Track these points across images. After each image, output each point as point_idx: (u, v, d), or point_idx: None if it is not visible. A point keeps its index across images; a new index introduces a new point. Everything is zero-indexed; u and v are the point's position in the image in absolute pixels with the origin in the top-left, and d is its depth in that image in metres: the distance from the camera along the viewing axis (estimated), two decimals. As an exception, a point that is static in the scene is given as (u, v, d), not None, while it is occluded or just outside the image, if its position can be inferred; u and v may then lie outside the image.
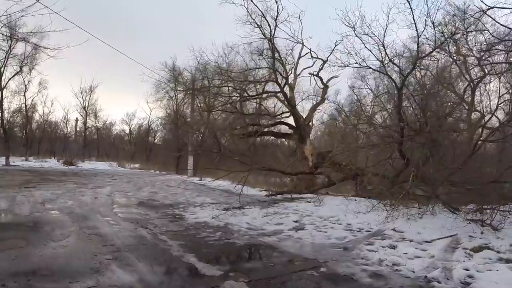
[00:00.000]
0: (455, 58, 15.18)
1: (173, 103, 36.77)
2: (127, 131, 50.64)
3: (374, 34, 12.33)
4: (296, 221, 8.73)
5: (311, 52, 17.50)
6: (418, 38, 11.54)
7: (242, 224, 8.18)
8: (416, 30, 11.30)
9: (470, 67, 15.39)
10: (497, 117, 14.93)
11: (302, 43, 17.54)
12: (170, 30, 68.12)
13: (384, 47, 12.16)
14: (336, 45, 16.84)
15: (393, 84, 12.89)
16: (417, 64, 13.09)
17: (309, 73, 18.06)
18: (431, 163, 11.27)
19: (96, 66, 69.21)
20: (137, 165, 38.66)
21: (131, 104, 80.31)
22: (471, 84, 15.52)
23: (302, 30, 22.99)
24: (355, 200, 11.84)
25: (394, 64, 12.80)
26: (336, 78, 18.85)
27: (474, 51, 13.38)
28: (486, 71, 14.09)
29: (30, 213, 8.02)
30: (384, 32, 12.30)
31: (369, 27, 13.25)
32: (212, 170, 33.01)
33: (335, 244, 6.64)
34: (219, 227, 7.79)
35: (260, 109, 22.63)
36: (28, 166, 26.42)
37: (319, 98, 19.73)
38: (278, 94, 18.25)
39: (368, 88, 22.61)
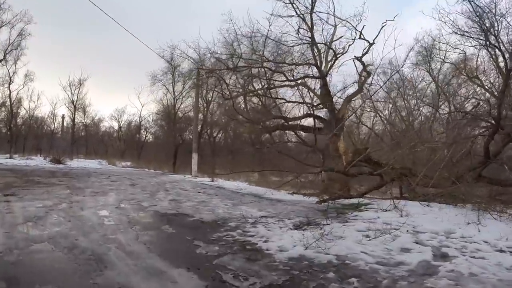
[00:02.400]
0: None
1: (170, 96, 32.83)
2: (116, 128, 46.52)
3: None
4: (417, 243, 5.78)
5: (356, 31, 14.09)
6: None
7: (359, 255, 5.02)
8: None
9: None
10: None
11: (341, 20, 14.18)
12: (165, 20, 63.75)
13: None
14: (383, 26, 13.70)
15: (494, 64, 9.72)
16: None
17: (355, 57, 14.59)
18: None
19: (86, 59, 64.20)
20: (129, 163, 34.68)
21: (121, 100, 75.71)
22: None
23: (335, 9, 19.43)
24: (428, 206, 9.05)
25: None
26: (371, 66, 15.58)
27: None
28: None
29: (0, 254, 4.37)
30: None
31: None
32: (221, 170, 29.56)
33: None
34: (333, 265, 4.63)
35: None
36: (12, 165, 22.36)
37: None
38: (317, 81, 14.82)
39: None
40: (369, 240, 5.83)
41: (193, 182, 17.12)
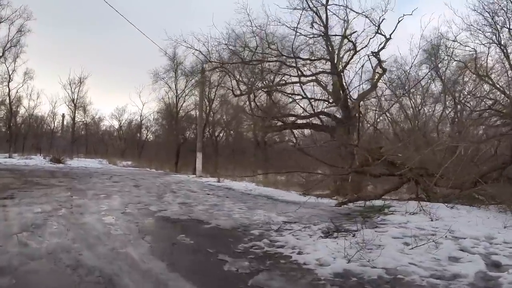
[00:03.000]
0: None
1: (173, 94, 31.92)
2: (117, 127, 45.49)
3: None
4: (462, 250, 5.03)
5: (374, 25, 13.26)
6: None
7: (409, 267, 4.31)
8: None
9: None
10: None
11: (358, 13, 13.35)
12: (165, 19, 62.72)
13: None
14: (400, 20, 12.91)
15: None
16: None
17: (372, 53, 13.73)
18: None
19: (86, 58, 63.03)
20: (129, 163, 33.76)
21: (122, 99, 74.58)
22: None
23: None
24: (453, 208, 8.25)
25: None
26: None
27: None
28: None
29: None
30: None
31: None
32: (224, 170, 28.70)
33: None
34: (386, 281, 3.97)
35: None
36: (11, 164, 21.44)
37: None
38: (329, 78, 13.98)
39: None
40: (412, 248, 5.06)
41: (199, 182, 16.25)
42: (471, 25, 15.52)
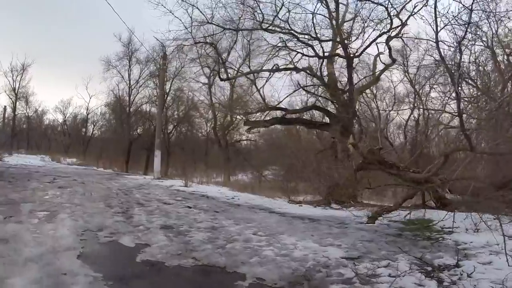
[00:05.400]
0: None
1: (125, 85, 27.93)
2: (61, 121, 40.23)
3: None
4: None
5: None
6: None
7: None
8: None
9: None
10: None
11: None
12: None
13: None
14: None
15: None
16: None
17: (389, 37, 11.07)
18: None
19: (30, 44, 55.81)
20: (74, 160, 29.20)
21: (68, 91, 67.67)
22: None
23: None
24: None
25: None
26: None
27: None
28: None
29: None
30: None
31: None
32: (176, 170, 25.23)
33: None
34: None
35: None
36: None
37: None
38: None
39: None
40: None
41: (163, 187, 12.88)
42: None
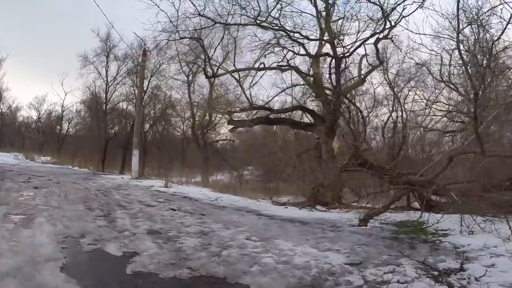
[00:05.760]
0: None
1: (102, 82, 27.08)
2: (35, 118, 38.68)
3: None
4: None
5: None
6: None
7: None
8: None
9: None
10: None
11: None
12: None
13: None
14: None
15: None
16: None
17: (378, 39, 10.89)
18: None
19: (4, 36, 53.41)
20: (49, 158, 28.03)
21: (42, 87, 65.07)
22: None
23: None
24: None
25: None
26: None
27: None
28: None
29: None
30: None
31: None
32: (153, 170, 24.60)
33: None
34: None
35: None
36: None
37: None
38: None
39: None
40: None
41: (143, 188, 12.37)
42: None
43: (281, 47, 11.64)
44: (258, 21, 10.66)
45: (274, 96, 12.81)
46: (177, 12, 11.41)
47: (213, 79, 25.45)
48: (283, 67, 11.91)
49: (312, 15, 11.57)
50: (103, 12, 25.13)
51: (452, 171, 9.88)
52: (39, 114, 38.16)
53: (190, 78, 25.45)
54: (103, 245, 4.66)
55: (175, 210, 7.91)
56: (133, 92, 28.08)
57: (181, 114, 30.96)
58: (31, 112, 40.56)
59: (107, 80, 27.38)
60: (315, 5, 11.29)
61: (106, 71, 27.26)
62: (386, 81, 19.32)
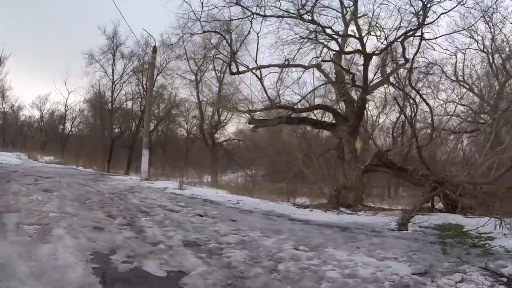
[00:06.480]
0: None
1: (108, 80, 26.30)
2: (38, 117, 37.92)
3: None
4: None
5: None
6: None
7: None
8: None
9: None
10: None
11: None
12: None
13: None
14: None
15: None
16: None
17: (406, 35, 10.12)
18: None
19: (8, 35, 52.43)
20: (52, 158, 27.26)
21: (45, 86, 64.09)
22: None
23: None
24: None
25: None
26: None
27: None
28: None
29: None
30: None
31: None
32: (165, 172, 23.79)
33: None
34: None
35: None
36: None
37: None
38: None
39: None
40: None
41: (157, 190, 11.60)
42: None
43: (318, 43, 10.90)
44: (299, 14, 9.92)
45: (306, 95, 12.01)
46: (201, 4, 10.69)
47: (222, 77, 24.81)
48: (319, 63, 11.08)
49: (337, 11, 10.88)
50: (118, 8, 24.32)
51: (476, 172, 9.44)
52: (42, 113, 37.56)
53: (199, 76, 24.73)
54: (140, 263, 3.89)
55: (202, 216, 7.16)
56: (138, 91, 27.29)
57: (184, 113, 30.30)
58: (33, 111, 39.79)
59: (113, 78, 26.54)
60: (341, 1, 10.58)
61: (113, 70, 26.47)
62: (406, 80, 18.66)
